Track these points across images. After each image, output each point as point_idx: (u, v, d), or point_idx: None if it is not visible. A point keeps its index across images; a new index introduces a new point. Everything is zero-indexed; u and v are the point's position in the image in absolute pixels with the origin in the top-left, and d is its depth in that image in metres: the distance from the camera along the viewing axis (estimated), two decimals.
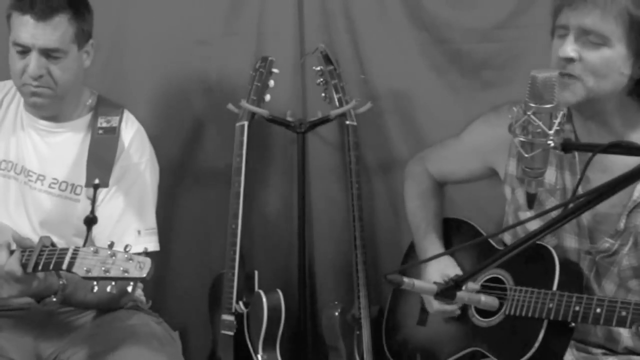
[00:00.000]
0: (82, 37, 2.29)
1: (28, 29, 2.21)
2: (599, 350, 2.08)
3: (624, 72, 1.92)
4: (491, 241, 2.25)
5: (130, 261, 1.85)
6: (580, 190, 2.01)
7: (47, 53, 2.22)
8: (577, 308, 1.94)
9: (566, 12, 1.92)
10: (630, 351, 2.06)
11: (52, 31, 2.21)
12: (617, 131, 1.98)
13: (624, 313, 1.87)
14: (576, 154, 2.02)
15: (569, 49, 1.90)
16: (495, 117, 2.22)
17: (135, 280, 1.85)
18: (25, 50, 2.23)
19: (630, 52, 1.90)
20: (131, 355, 2.15)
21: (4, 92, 2.42)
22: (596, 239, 2.05)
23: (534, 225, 1.90)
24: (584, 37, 1.90)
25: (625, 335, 2.04)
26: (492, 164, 2.24)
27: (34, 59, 2.22)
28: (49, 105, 2.31)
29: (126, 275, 1.84)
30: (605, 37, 1.88)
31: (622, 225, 2.00)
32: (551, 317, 1.97)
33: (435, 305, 2.24)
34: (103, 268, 1.86)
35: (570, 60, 1.90)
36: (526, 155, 1.67)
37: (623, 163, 1.77)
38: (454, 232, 2.39)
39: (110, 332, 2.25)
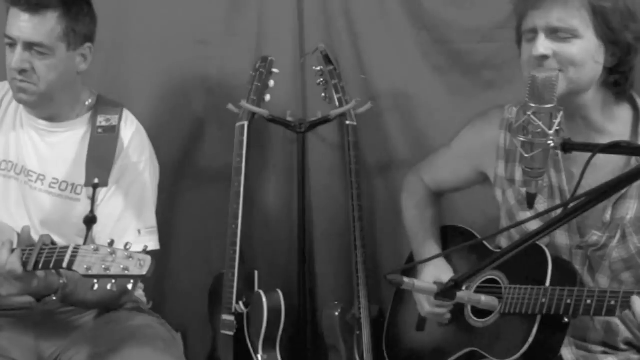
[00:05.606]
0: (74, 37, 2.28)
1: (16, 22, 2.22)
2: (599, 349, 2.09)
3: (598, 60, 1.96)
4: (487, 245, 2.26)
5: (131, 259, 1.85)
6: (566, 188, 2.04)
7: (31, 47, 2.23)
8: (568, 301, 1.95)
9: (531, 15, 1.96)
10: (629, 343, 2.08)
11: (37, 25, 2.21)
12: (597, 125, 2.01)
13: (612, 302, 1.89)
14: (558, 151, 2.04)
15: (541, 47, 1.93)
16: (482, 121, 2.25)
17: (136, 277, 1.85)
18: (13, 44, 2.24)
19: (600, 39, 1.94)
20: (135, 356, 2.15)
21: (3, 92, 2.42)
22: (585, 233, 2.07)
23: (531, 225, 1.91)
24: (554, 35, 1.93)
25: (623, 327, 2.04)
26: (482, 168, 2.26)
27: (17, 52, 2.23)
28: (36, 104, 2.31)
29: (126, 272, 1.84)
30: (573, 30, 1.93)
31: (607, 217, 2.02)
32: (544, 312, 1.98)
33: (426, 308, 2.25)
34: (103, 266, 1.86)
35: (544, 57, 1.93)
36: (526, 155, 1.67)
37: (607, 160, 1.82)
38: (453, 239, 2.40)
39: (113, 333, 2.25)
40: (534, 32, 1.95)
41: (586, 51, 1.94)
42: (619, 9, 1.94)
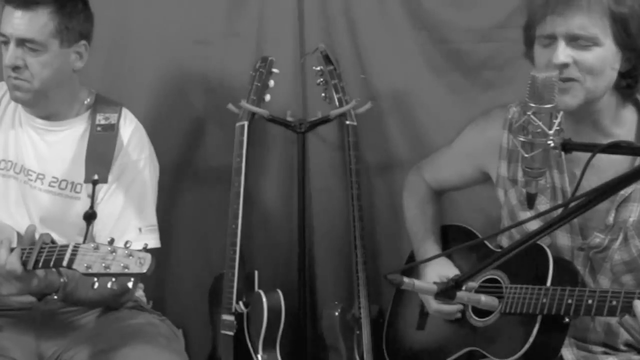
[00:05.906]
0: (67, 34, 2.28)
1: (9, 19, 2.24)
2: (599, 349, 2.09)
3: (615, 66, 1.95)
4: (488, 244, 2.26)
5: (131, 257, 1.86)
6: (568, 189, 2.04)
7: (24, 43, 2.23)
8: (569, 301, 1.95)
9: (550, 20, 1.92)
10: (629, 345, 2.07)
11: (29, 22, 2.22)
12: (605, 129, 2.01)
13: (614, 302, 1.88)
14: (561, 152, 2.03)
15: (562, 55, 1.91)
16: (484, 121, 2.25)
17: (136, 276, 1.86)
18: (6, 41, 2.25)
19: (618, 46, 1.93)
20: (137, 353, 2.15)
21: (2, 92, 2.42)
22: (587, 235, 2.06)
23: (532, 225, 1.91)
24: (573, 42, 1.91)
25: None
26: (484, 167, 2.26)
27: (10, 48, 2.24)
28: (32, 102, 2.31)
29: (126, 271, 1.85)
30: (594, 38, 1.91)
31: (611, 219, 2.02)
32: (545, 312, 1.98)
33: (433, 305, 2.25)
34: (103, 264, 1.87)
35: (564, 65, 1.91)
36: (526, 156, 1.67)
37: (609, 160, 1.81)
38: (454, 238, 2.40)
39: (115, 331, 2.25)
40: (552, 38, 1.93)
41: (604, 59, 1.92)
42: (637, 13, 1.92)
